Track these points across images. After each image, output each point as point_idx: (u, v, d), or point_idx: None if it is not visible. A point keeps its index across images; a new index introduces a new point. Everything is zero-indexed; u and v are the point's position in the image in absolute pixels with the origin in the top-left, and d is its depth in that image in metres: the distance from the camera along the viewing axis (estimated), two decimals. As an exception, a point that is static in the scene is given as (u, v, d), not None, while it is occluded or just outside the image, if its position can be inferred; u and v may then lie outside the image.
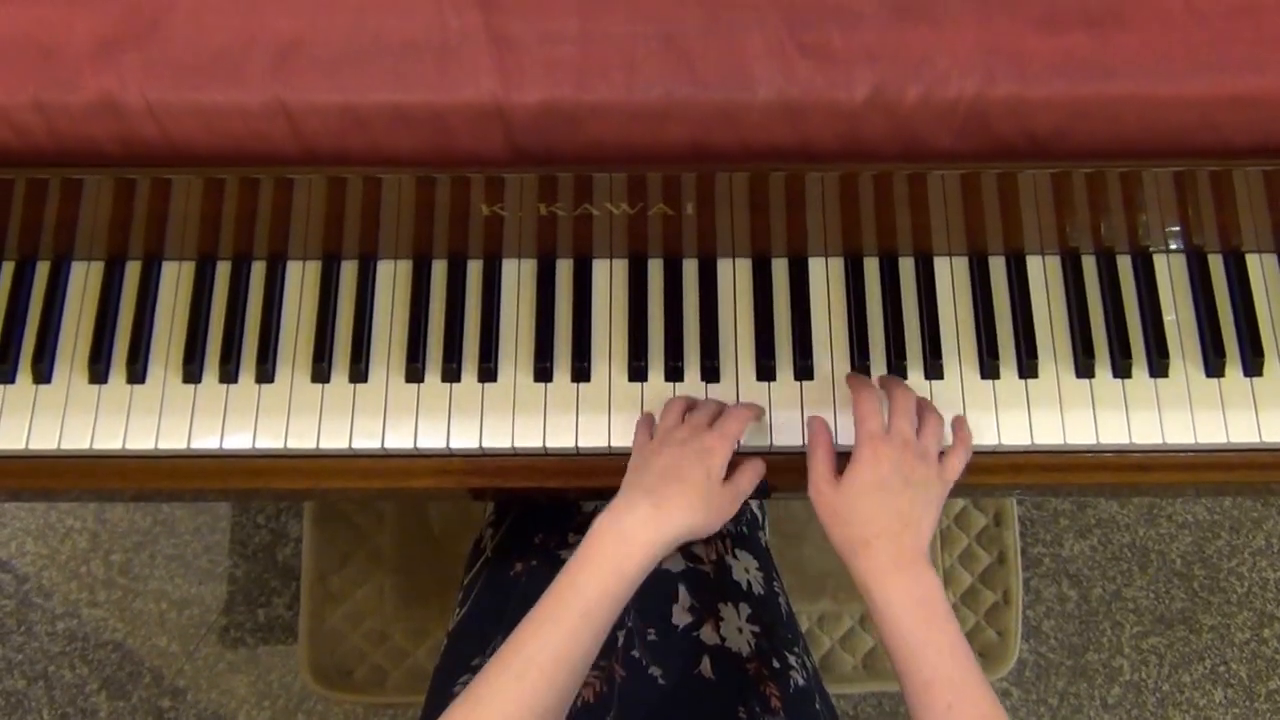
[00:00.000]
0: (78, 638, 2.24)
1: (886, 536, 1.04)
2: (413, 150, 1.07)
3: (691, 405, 1.18)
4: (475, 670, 1.22)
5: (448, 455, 1.23)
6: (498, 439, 1.21)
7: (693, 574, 1.31)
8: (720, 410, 1.15)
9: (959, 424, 1.18)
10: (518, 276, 1.26)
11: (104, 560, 2.28)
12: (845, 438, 1.19)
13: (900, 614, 1.01)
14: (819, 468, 1.10)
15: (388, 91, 1.03)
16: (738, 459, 1.14)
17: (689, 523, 1.05)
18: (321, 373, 1.22)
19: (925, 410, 1.14)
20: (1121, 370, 1.22)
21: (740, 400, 1.21)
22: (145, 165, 1.07)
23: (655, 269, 1.27)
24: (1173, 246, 1.26)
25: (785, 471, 1.21)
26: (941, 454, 1.12)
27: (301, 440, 1.21)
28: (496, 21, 1.04)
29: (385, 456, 1.22)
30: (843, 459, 1.11)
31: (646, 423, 1.18)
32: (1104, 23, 1.04)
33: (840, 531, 1.07)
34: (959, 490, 1.21)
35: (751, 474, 1.13)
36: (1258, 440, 1.20)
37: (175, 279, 1.26)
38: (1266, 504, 2.31)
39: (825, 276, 1.27)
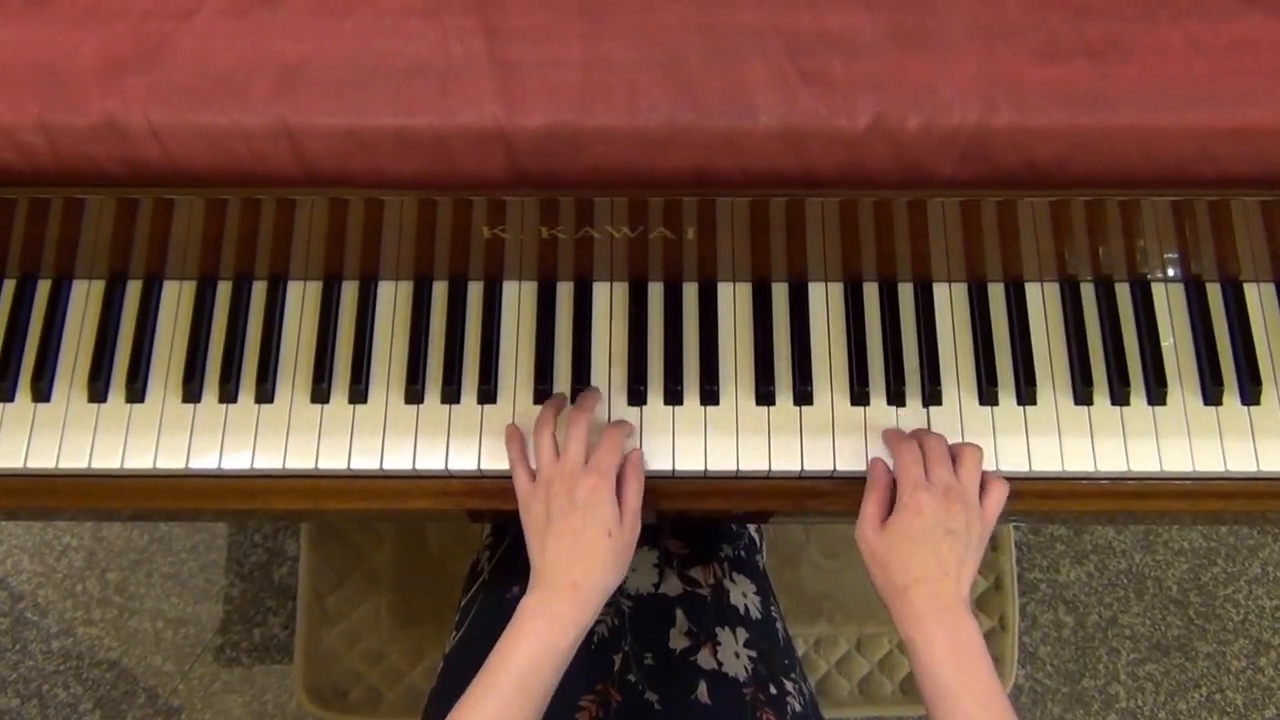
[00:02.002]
0: (72, 656, 2.23)
1: (926, 583, 1.04)
2: (415, 173, 1.07)
3: (559, 409, 1.18)
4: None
5: (446, 477, 1.22)
6: (497, 461, 1.21)
7: (690, 598, 1.31)
8: (586, 419, 1.14)
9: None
10: (518, 298, 1.27)
11: (100, 578, 2.28)
12: (843, 464, 1.20)
13: (937, 659, 1.02)
14: (869, 510, 1.11)
15: (391, 114, 1.04)
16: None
17: (609, 584, 1.09)
18: (321, 393, 1.22)
19: (961, 448, 1.13)
20: (1120, 398, 1.22)
21: (740, 424, 1.22)
22: (148, 186, 1.07)
23: (655, 292, 1.27)
24: (1171, 275, 1.26)
25: (782, 496, 1.22)
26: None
27: (300, 460, 1.21)
28: (499, 46, 1.05)
29: (384, 477, 1.22)
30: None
31: (521, 459, 1.17)
32: (1105, 53, 1.04)
33: (880, 576, 1.08)
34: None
35: (635, 488, 1.14)
36: (1255, 469, 1.20)
37: (176, 298, 1.26)
38: (1263, 531, 2.31)
39: (825, 302, 1.27)
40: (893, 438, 1.16)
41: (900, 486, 1.10)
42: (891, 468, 1.15)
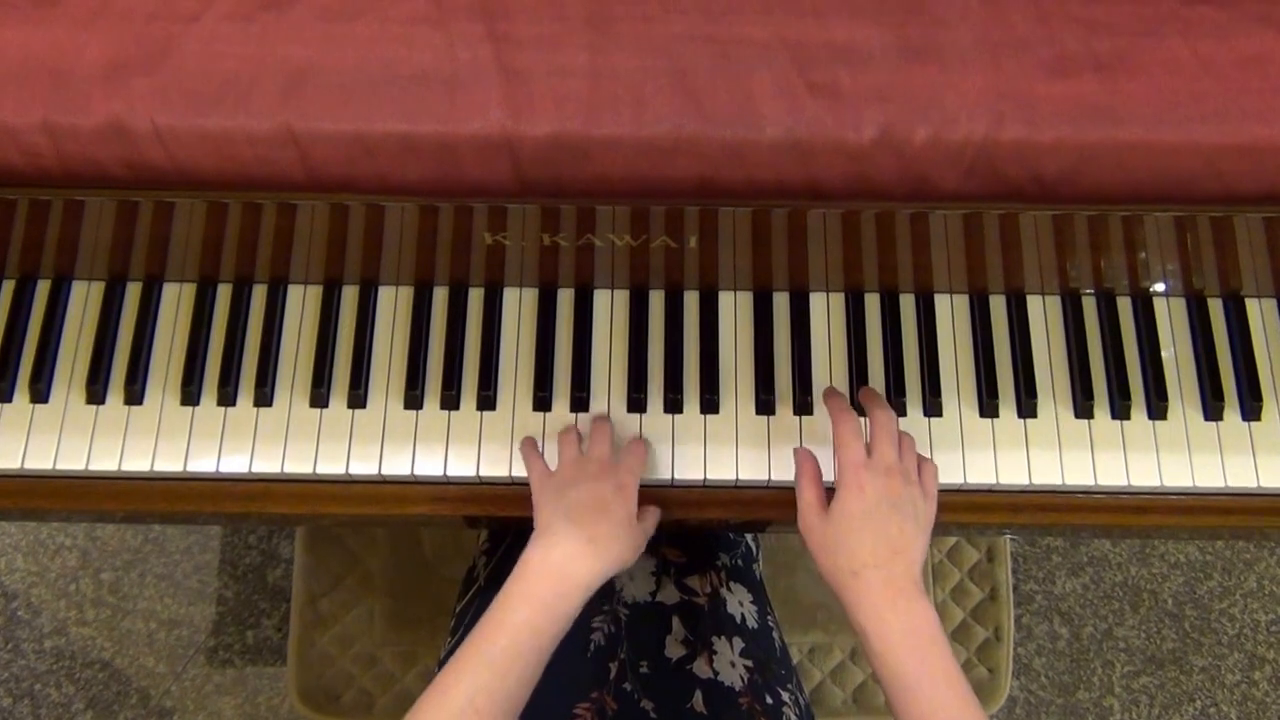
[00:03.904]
0: (65, 656, 2.23)
1: (876, 566, 1.02)
2: (420, 180, 1.07)
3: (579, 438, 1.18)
4: (467, 700, 1.22)
5: (444, 483, 1.22)
6: (495, 467, 1.21)
7: (687, 606, 1.30)
8: (609, 427, 1.16)
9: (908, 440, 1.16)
10: (519, 305, 1.26)
11: (93, 578, 2.27)
12: (844, 475, 1.19)
13: (894, 646, 0.99)
14: (806, 498, 1.09)
15: (396, 121, 1.03)
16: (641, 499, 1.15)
17: (619, 558, 1.06)
18: (320, 398, 1.22)
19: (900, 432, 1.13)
20: (1120, 412, 1.22)
21: (739, 433, 1.21)
22: (151, 188, 1.07)
23: (656, 300, 1.27)
24: (1173, 289, 1.26)
25: (781, 506, 1.21)
26: None
27: (298, 465, 1.20)
28: (506, 54, 1.04)
29: (382, 483, 1.22)
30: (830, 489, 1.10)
31: (535, 452, 1.17)
32: (1113, 69, 1.04)
33: (829, 563, 1.05)
34: (954, 529, 1.21)
35: (654, 519, 1.15)
36: (1255, 485, 1.20)
37: (176, 301, 1.26)
38: (1259, 546, 2.32)
39: (826, 311, 1.27)
40: (834, 406, 1.13)
41: (840, 466, 1.07)
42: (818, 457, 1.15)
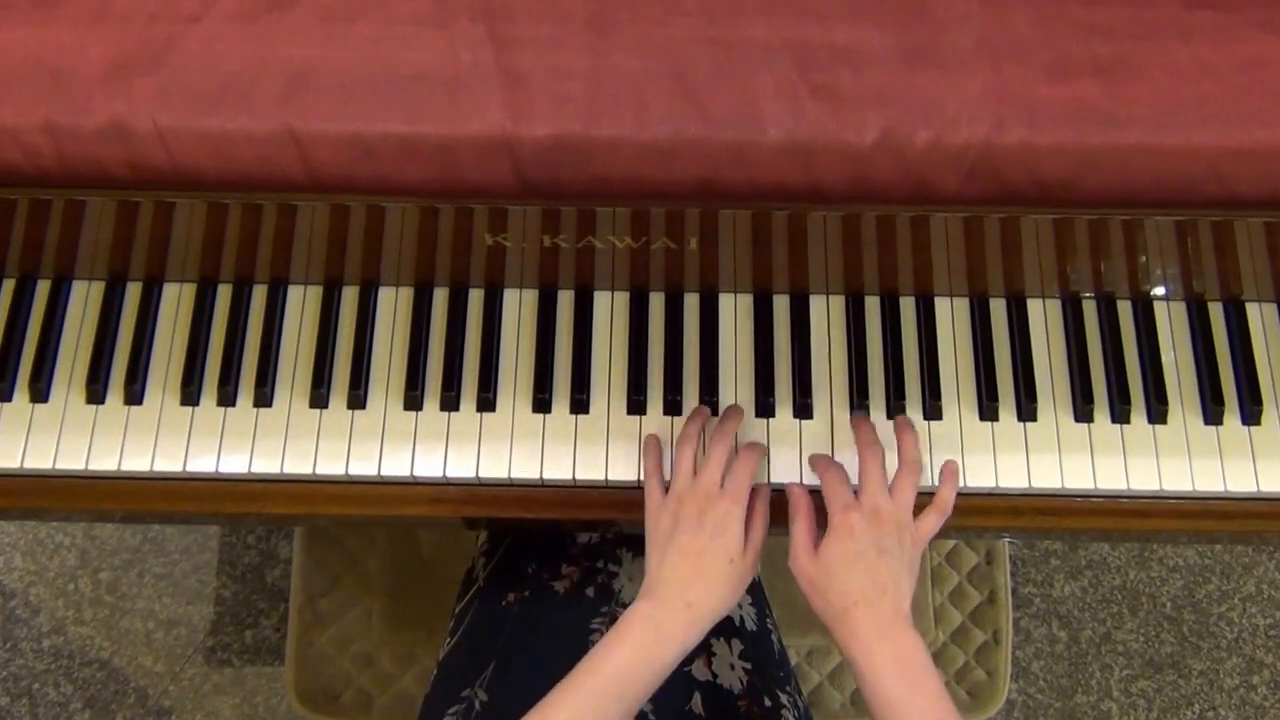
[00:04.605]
0: (63, 655, 2.22)
1: (864, 604, 1.04)
2: (420, 181, 1.07)
3: (703, 424, 1.17)
4: (464, 701, 1.22)
5: (444, 484, 1.22)
6: (495, 469, 1.20)
7: (686, 608, 1.30)
8: (727, 442, 1.14)
9: (946, 478, 1.15)
10: (519, 306, 1.26)
11: (92, 578, 2.27)
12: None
13: (883, 678, 1.01)
14: (799, 538, 1.10)
15: (397, 122, 1.03)
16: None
17: (719, 612, 1.07)
18: (320, 398, 1.22)
19: (902, 466, 1.13)
20: (1120, 416, 1.22)
21: (739, 436, 1.21)
22: (152, 189, 1.07)
23: (656, 302, 1.27)
24: (1173, 293, 1.26)
25: (780, 509, 1.21)
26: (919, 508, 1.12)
27: (297, 465, 1.20)
28: (507, 55, 1.04)
29: (381, 484, 1.22)
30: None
31: (656, 471, 1.16)
32: (1114, 72, 1.04)
33: (819, 602, 1.07)
34: (952, 532, 1.21)
35: (762, 522, 1.13)
36: (1255, 490, 1.20)
37: (176, 301, 1.26)
38: (1258, 550, 2.31)
39: (826, 314, 1.27)
40: (820, 463, 1.16)
41: (829, 508, 1.10)
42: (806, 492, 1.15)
